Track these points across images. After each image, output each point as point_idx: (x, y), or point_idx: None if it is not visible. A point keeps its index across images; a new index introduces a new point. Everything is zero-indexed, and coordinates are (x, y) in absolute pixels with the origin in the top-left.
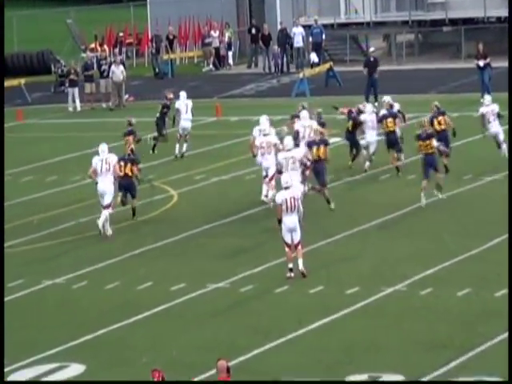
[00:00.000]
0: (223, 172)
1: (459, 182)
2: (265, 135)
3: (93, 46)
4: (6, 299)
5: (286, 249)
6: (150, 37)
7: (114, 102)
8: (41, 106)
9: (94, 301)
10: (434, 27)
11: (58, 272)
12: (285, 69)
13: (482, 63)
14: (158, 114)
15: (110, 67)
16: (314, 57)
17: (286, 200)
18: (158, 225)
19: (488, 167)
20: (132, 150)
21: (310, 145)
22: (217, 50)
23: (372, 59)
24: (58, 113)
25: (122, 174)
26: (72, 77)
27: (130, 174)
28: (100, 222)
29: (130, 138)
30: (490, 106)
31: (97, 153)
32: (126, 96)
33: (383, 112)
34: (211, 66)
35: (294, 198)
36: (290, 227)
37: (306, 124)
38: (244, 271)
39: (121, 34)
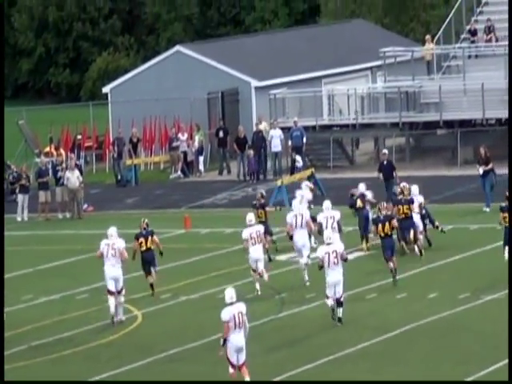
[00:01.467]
0: (192, 290)
1: (455, 301)
2: (250, 226)
3: (47, 149)
4: None
5: (231, 370)
6: (111, 140)
7: (72, 212)
8: None
9: None
10: (427, 130)
11: None
12: (261, 176)
13: (481, 170)
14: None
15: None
16: (299, 160)
17: (234, 316)
18: (120, 348)
19: (486, 284)
20: (147, 224)
21: (376, 222)
22: (185, 154)
23: (385, 162)
24: (7, 224)
25: (144, 248)
26: (23, 182)
27: (152, 247)
28: (120, 315)
29: (267, 209)
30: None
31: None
32: (85, 206)
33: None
34: (179, 172)
35: (242, 314)
36: (238, 346)
37: (329, 215)
38: None
39: (79, 137)
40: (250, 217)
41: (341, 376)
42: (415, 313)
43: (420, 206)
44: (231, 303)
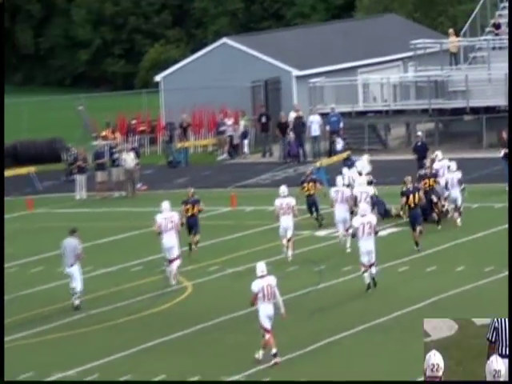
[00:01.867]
0: (237, 264)
1: (480, 274)
2: (284, 197)
3: (104, 133)
4: None
5: (267, 335)
6: (163, 125)
7: (127, 191)
8: (50, 194)
9: None
10: (455, 116)
11: (68, 364)
12: (301, 158)
13: (503, 152)
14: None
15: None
16: (339, 141)
17: (263, 288)
18: (171, 317)
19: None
20: (194, 193)
21: (406, 194)
22: (231, 138)
23: (420, 143)
24: (67, 202)
25: (190, 214)
26: (80, 163)
27: (196, 213)
28: (173, 278)
29: (317, 184)
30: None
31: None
32: (139, 185)
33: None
34: (226, 154)
35: (271, 286)
36: (269, 314)
37: (363, 190)
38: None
39: (133, 122)
40: (283, 189)
41: (372, 344)
42: (443, 285)
43: (459, 181)
44: (262, 276)
